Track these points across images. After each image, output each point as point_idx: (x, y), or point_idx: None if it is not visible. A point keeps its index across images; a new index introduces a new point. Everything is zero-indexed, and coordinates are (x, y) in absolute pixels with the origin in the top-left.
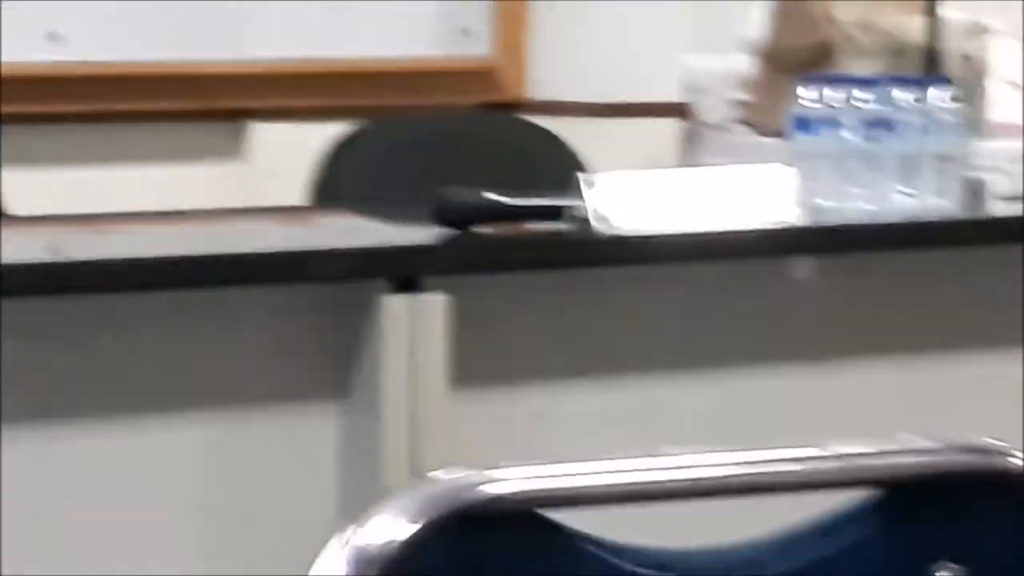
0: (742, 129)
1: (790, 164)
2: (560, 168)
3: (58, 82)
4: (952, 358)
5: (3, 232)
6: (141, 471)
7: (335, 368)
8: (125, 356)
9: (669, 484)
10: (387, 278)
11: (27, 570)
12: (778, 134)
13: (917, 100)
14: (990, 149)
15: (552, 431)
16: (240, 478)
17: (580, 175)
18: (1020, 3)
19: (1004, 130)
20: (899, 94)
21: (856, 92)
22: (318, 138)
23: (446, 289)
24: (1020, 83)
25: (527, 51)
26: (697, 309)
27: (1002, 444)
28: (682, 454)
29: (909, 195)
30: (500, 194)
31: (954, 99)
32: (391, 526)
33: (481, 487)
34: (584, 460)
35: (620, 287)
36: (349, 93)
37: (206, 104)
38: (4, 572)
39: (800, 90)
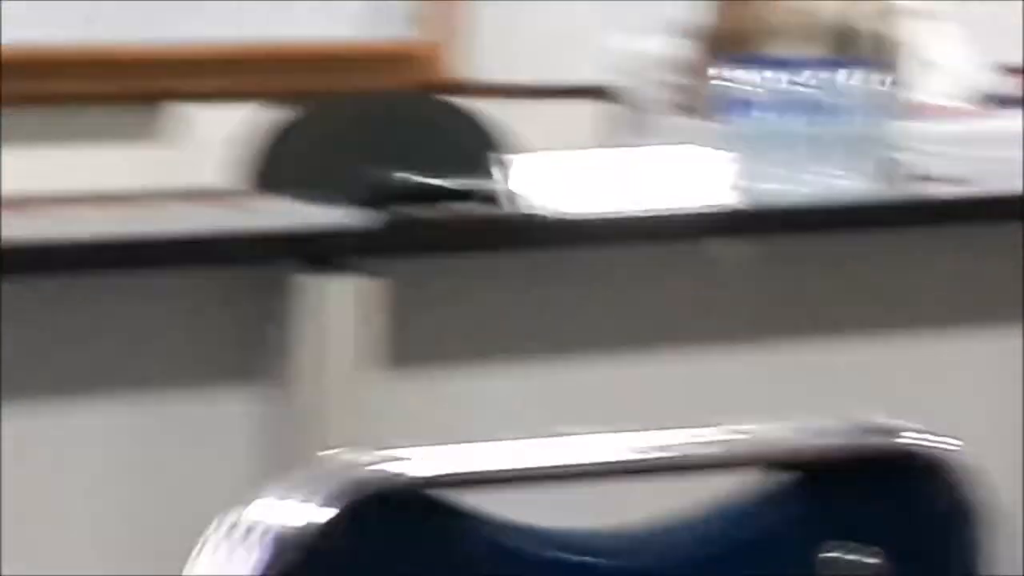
0: (669, 111)
1: (714, 146)
2: (486, 150)
3: None
4: (878, 339)
5: None
6: (49, 455)
7: (249, 350)
8: (35, 338)
9: (571, 466)
10: (305, 259)
11: None
12: (704, 116)
13: (848, 82)
14: (923, 131)
15: (474, 413)
16: (152, 461)
17: (504, 156)
18: None
19: (923, 111)
20: (833, 76)
21: (787, 74)
22: (241, 121)
23: (372, 271)
24: (939, 63)
25: (454, 34)
26: (623, 291)
27: (906, 424)
28: (585, 435)
29: (841, 176)
30: (422, 175)
31: (887, 81)
32: (276, 507)
33: (373, 467)
34: (482, 441)
35: (544, 269)
36: (273, 75)
37: (126, 86)
38: None
39: (724, 72)
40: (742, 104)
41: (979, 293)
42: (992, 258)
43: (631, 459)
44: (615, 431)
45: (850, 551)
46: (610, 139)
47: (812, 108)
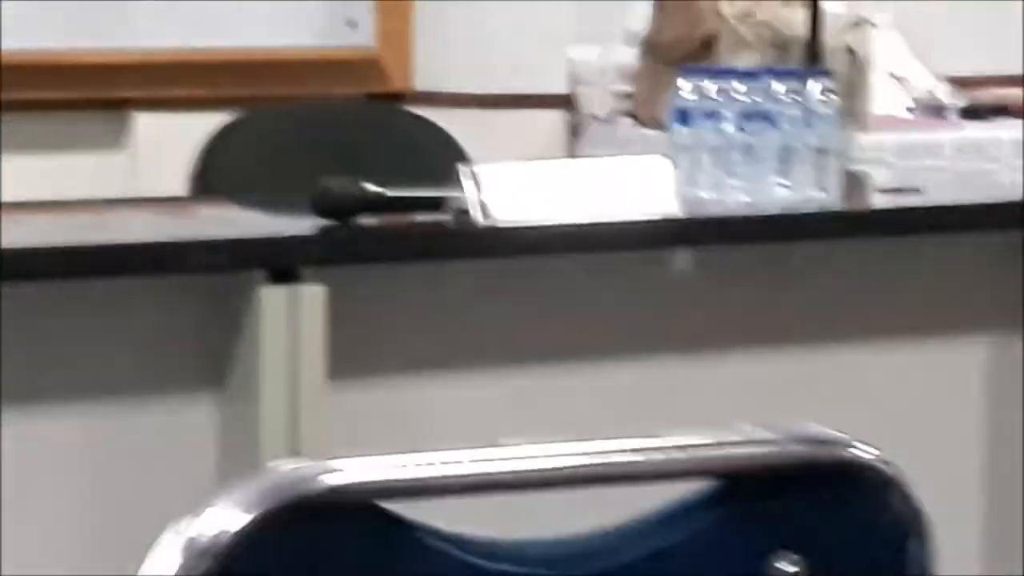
0: (626, 121)
1: (670, 156)
2: (444, 159)
3: None
4: (830, 349)
5: None
6: (16, 462)
7: (214, 359)
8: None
9: (510, 475)
10: (265, 269)
11: None
12: (661, 126)
13: (796, 93)
14: (872, 141)
15: (431, 422)
16: (118, 469)
17: (460, 166)
18: None
19: (886, 123)
20: (778, 86)
21: (735, 84)
22: (203, 128)
23: (325, 280)
24: (902, 76)
25: (412, 42)
26: (576, 300)
27: (841, 435)
28: (525, 445)
29: (788, 187)
30: (380, 185)
31: (833, 92)
32: (224, 517)
33: (319, 478)
34: (432, 451)
35: (500, 278)
36: (234, 83)
37: (89, 93)
38: None
39: (680, 82)
40: (692, 114)
41: (929, 303)
42: (942, 268)
43: (572, 467)
44: (554, 441)
45: (779, 560)
46: (567, 149)
47: (761, 118)
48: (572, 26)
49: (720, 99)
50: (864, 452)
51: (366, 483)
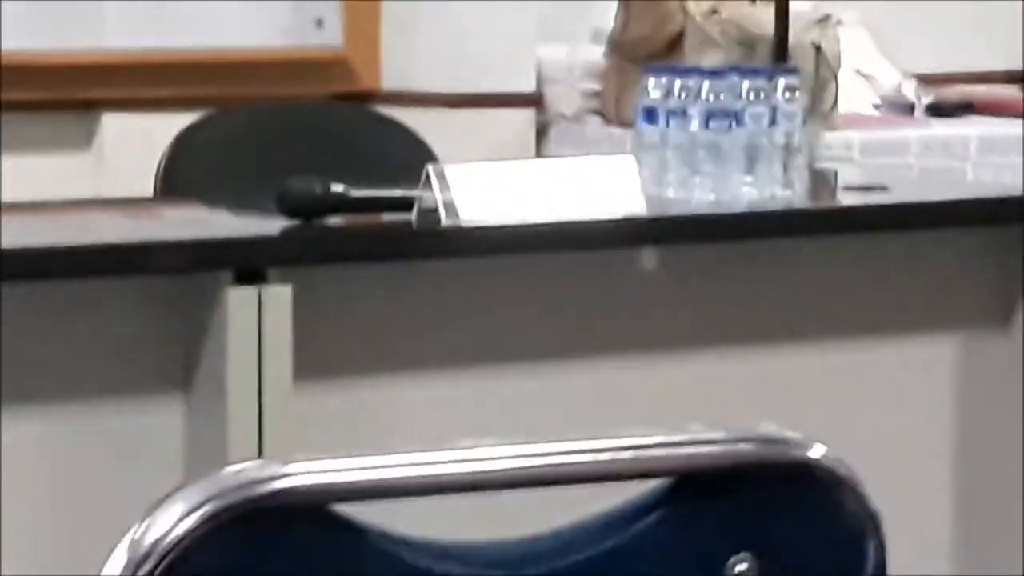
0: (594, 119)
1: (636, 154)
2: (411, 159)
3: None
4: (797, 348)
5: None
6: None
7: (180, 361)
8: None
9: (460, 477)
10: (231, 269)
11: None
12: (629, 124)
13: (761, 91)
14: (838, 139)
15: (399, 423)
16: (83, 472)
17: (427, 166)
18: None
19: (853, 120)
20: (744, 85)
21: (700, 82)
22: (170, 129)
23: (291, 280)
24: (868, 73)
25: (380, 42)
26: (543, 300)
27: (795, 435)
28: (475, 447)
29: (754, 185)
30: (348, 185)
31: (799, 90)
32: (172, 521)
33: (269, 481)
34: (384, 453)
35: (466, 278)
36: (202, 83)
37: (56, 94)
38: None
39: (645, 81)
40: (658, 113)
41: (896, 301)
42: (909, 266)
43: (524, 467)
44: (504, 443)
45: (731, 561)
46: (535, 148)
47: (727, 117)
48: (540, 25)
49: (685, 97)
50: (816, 452)
51: (314, 486)
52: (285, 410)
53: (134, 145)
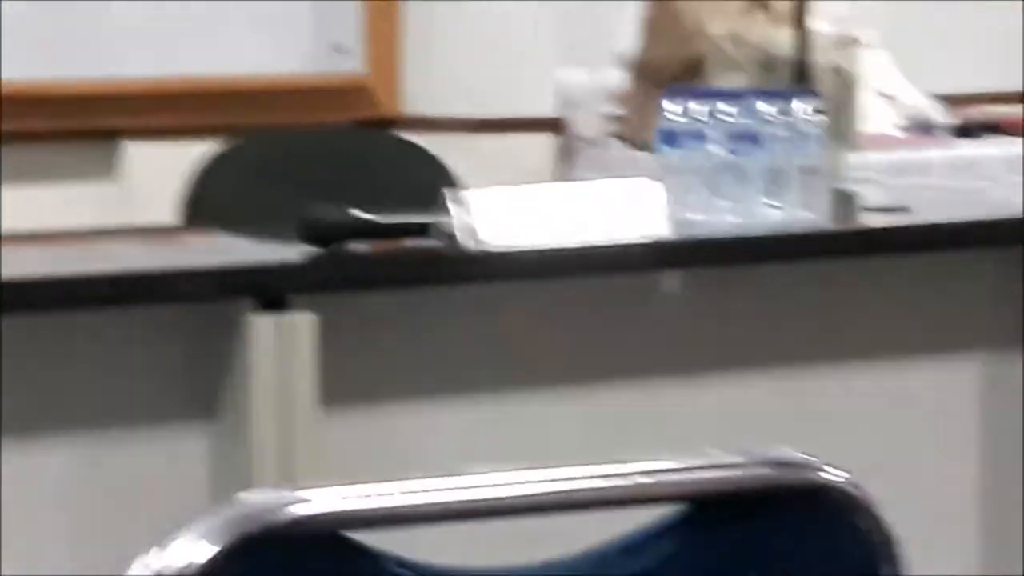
0: (615, 143)
1: (659, 178)
2: (434, 185)
3: None
4: (821, 370)
5: None
6: (8, 494)
7: (204, 389)
8: None
9: (475, 504)
10: (254, 297)
11: None
12: (651, 148)
13: (783, 113)
14: (861, 161)
15: (425, 448)
16: (108, 501)
17: (449, 191)
18: (887, 17)
19: (876, 141)
20: (765, 107)
21: (722, 105)
22: (192, 157)
23: (313, 308)
24: (891, 95)
25: (401, 68)
26: (566, 324)
27: (809, 458)
28: (490, 473)
29: (776, 208)
30: (368, 211)
31: (820, 111)
32: (189, 548)
33: (284, 508)
34: (399, 480)
35: (490, 303)
36: (223, 111)
37: (79, 123)
38: None
39: (666, 104)
40: (679, 136)
41: (921, 323)
42: (933, 287)
43: (529, 496)
44: (519, 468)
45: None
46: (557, 171)
47: (749, 139)
48: (561, 50)
49: (708, 120)
50: (833, 475)
51: (330, 513)
52: (309, 437)
53: (157, 174)
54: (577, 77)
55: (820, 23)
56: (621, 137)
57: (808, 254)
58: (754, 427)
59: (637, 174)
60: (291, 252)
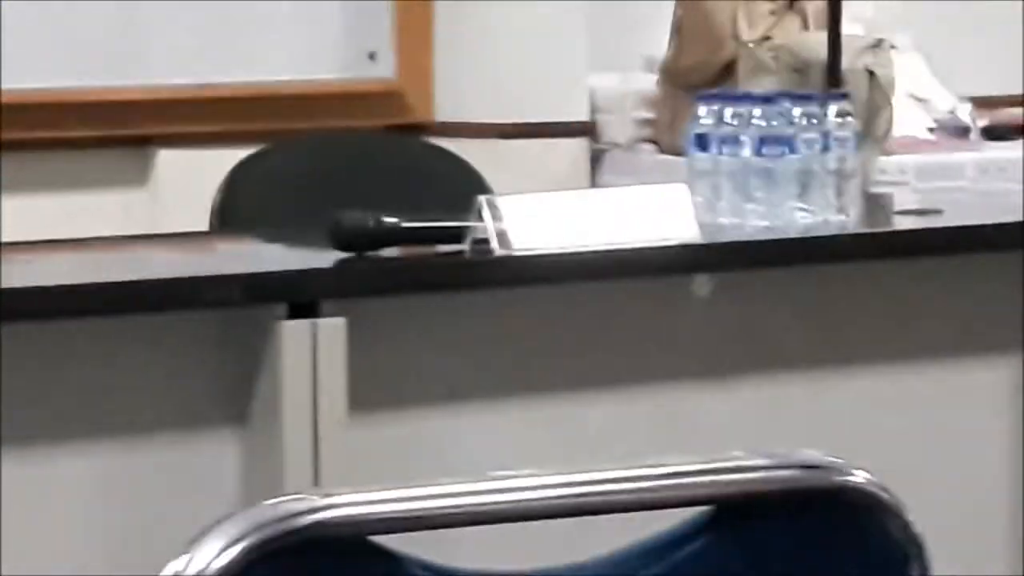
0: (647, 148)
1: (690, 182)
2: (465, 190)
3: None
4: (854, 373)
5: None
6: (39, 501)
7: (235, 395)
8: (23, 384)
9: (498, 507)
10: (285, 303)
11: None
12: (681, 152)
13: (814, 116)
14: (893, 163)
15: (454, 452)
16: (140, 507)
17: (480, 196)
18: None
19: (907, 144)
20: (796, 111)
21: (752, 109)
22: (225, 164)
23: (344, 313)
24: (923, 97)
25: (432, 74)
26: (597, 328)
27: (836, 460)
28: (513, 477)
29: (807, 211)
30: (402, 217)
31: (851, 114)
32: (213, 554)
33: (309, 513)
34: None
35: (520, 308)
36: (256, 118)
37: (112, 131)
38: None
39: (698, 108)
40: (710, 140)
41: (953, 325)
42: (965, 289)
43: (564, 496)
44: (541, 472)
45: None
46: (588, 176)
47: (779, 143)
48: (592, 55)
49: (738, 124)
50: (858, 477)
51: (353, 517)
52: (340, 442)
53: (189, 180)
54: (608, 82)
55: (852, 26)
56: (652, 141)
57: (840, 257)
58: (784, 430)
59: (668, 178)
60: (322, 258)
